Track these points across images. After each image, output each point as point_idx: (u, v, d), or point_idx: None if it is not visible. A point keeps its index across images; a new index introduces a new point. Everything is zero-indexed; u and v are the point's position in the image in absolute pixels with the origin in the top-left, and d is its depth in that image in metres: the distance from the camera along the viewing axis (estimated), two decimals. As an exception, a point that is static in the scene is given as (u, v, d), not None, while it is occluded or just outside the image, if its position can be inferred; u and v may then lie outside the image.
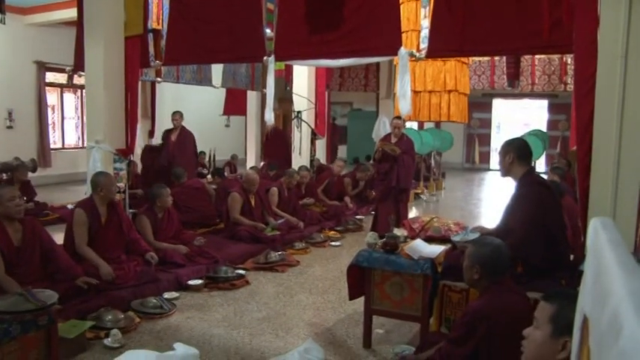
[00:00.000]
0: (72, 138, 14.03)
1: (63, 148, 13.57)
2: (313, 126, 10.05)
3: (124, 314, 4.45)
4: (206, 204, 8.21)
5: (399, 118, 7.28)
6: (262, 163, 11.79)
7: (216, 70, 11.91)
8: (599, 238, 1.11)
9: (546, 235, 3.49)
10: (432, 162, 13.90)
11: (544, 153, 14.19)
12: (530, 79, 13.65)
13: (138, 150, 9.06)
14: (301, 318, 4.75)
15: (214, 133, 16.15)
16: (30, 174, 8.89)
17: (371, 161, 10.36)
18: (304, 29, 5.39)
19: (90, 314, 4.34)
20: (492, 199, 12.84)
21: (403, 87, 5.25)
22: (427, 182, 13.08)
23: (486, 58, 13.62)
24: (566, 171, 7.95)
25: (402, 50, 5.07)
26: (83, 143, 12.90)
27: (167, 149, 9.42)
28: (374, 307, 4.10)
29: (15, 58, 11.84)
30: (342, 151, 18.38)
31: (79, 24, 6.30)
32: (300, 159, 9.84)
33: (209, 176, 10.76)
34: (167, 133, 9.72)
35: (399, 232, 4.33)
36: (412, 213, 9.61)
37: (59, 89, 13.52)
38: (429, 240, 4.29)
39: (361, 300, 4.22)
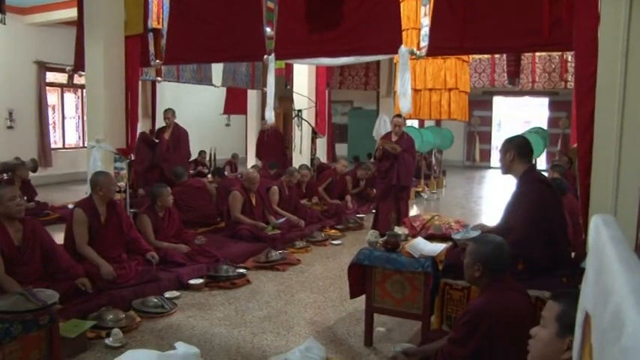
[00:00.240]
0: (72, 138, 14.04)
1: (63, 147, 13.57)
2: (314, 125, 10.04)
3: (125, 314, 4.45)
4: (207, 203, 8.21)
5: (399, 116, 7.28)
6: (258, 163, 11.76)
7: (217, 69, 11.90)
8: (601, 235, 1.10)
9: (547, 232, 3.49)
10: (433, 160, 13.88)
11: (545, 151, 14.19)
12: (531, 77, 13.62)
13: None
14: (302, 317, 4.75)
15: (215, 133, 16.15)
16: (30, 174, 8.89)
17: (371, 159, 10.35)
18: (304, 28, 5.39)
19: (91, 314, 4.35)
20: (493, 196, 12.84)
21: (403, 85, 5.24)
22: (428, 180, 13.07)
23: (487, 56, 13.60)
24: (567, 168, 7.96)
25: (403, 48, 5.07)
26: (84, 143, 12.90)
27: (160, 147, 9.27)
28: (375, 306, 4.10)
29: (15, 58, 11.84)
30: (341, 149, 18.37)
31: (79, 24, 6.30)
32: (300, 158, 9.83)
33: (209, 175, 10.75)
34: (160, 132, 9.57)
35: (399, 230, 4.32)
36: (413, 211, 9.60)
37: (59, 89, 13.52)
38: (430, 238, 4.29)
39: (362, 298, 4.22)
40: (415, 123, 14.61)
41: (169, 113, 9.37)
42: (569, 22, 3.82)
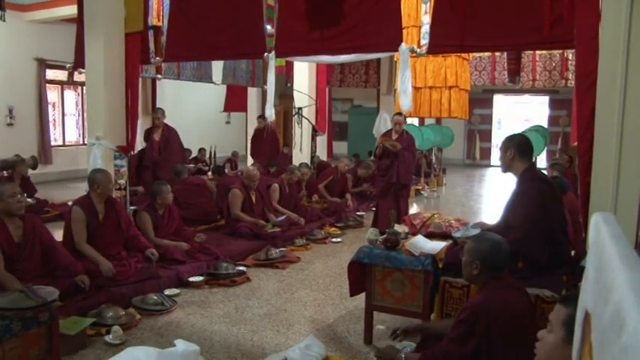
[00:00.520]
0: (72, 135, 14.03)
1: (63, 145, 13.57)
2: (314, 122, 10.04)
3: (125, 311, 4.46)
4: (207, 201, 8.21)
5: (399, 114, 7.28)
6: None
7: (217, 66, 11.89)
8: (601, 233, 1.10)
9: (547, 231, 3.49)
10: (433, 158, 13.89)
11: (545, 149, 14.18)
12: (531, 75, 13.61)
13: (139, 147, 8.90)
14: (302, 314, 4.75)
15: (215, 130, 16.17)
16: (30, 171, 8.90)
17: (371, 157, 10.34)
18: (305, 25, 5.38)
19: (91, 311, 4.35)
20: (493, 195, 12.84)
21: (404, 83, 5.24)
22: (428, 178, 13.07)
23: (487, 54, 13.58)
24: (567, 167, 7.95)
25: (403, 46, 5.05)
26: (84, 140, 12.89)
27: (151, 148, 8.89)
28: (375, 304, 4.11)
29: (15, 55, 11.83)
30: (342, 147, 18.36)
31: (79, 21, 6.28)
32: (300, 155, 9.83)
33: (209, 173, 10.74)
34: (149, 132, 9.12)
35: (399, 228, 4.32)
36: (413, 209, 9.61)
37: (60, 86, 13.51)
38: (430, 236, 4.29)
39: (362, 296, 4.22)
40: (415, 121, 14.60)
41: (159, 113, 9.03)
42: (570, 20, 3.81)
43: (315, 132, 10.16)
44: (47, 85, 12.70)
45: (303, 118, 9.82)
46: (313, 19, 5.34)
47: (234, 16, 5.70)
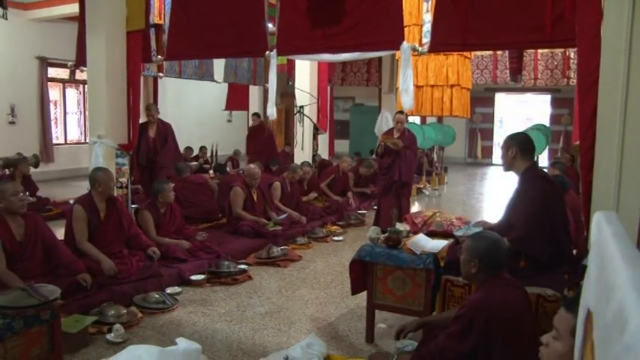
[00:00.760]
0: (74, 133, 14.05)
1: (65, 143, 13.59)
2: (315, 121, 10.03)
3: (127, 309, 4.46)
4: (208, 199, 8.21)
5: (401, 112, 7.27)
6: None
7: (218, 65, 11.90)
8: (603, 232, 1.10)
9: (549, 229, 3.49)
10: (435, 157, 13.88)
11: (547, 147, 14.16)
12: (533, 74, 13.59)
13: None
14: (304, 313, 4.75)
15: (216, 129, 16.17)
16: (32, 169, 8.90)
17: (373, 156, 10.34)
18: (306, 23, 5.38)
19: (92, 309, 4.36)
20: (495, 193, 12.84)
21: (405, 81, 5.23)
22: (429, 177, 13.07)
23: (489, 53, 13.57)
24: (569, 166, 7.94)
25: (405, 44, 5.05)
26: (85, 138, 12.90)
27: (146, 145, 8.34)
28: (376, 302, 4.11)
29: (17, 53, 11.84)
30: (343, 145, 18.37)
31: (80, 19, 6.28)
32: (302, 154, 9.82)
33: (211, 171, 10.75)
34: (143, 128, 8.30)
35: (401, 226, 4.32)
36: (414, 208, 9.61)
37: (61, 84, 13.52)
38: (432, 235, 4.29)
39: (363, 295, 4.22)
40: (417, 119, 14.60)
41: (152, 110, 8.53)
42: (572, 19, 3.80)
43: (316, 130, 10.15)
44: (49, 83, 12.72)
45: (305, 117, 9.81)
46: (315, 18, 5.33)
47: (235, 14, 5.69)
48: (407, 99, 5.24)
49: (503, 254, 2.88)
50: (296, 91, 9.98)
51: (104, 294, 4.60)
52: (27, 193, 4.86)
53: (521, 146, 3.62)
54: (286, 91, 11.67)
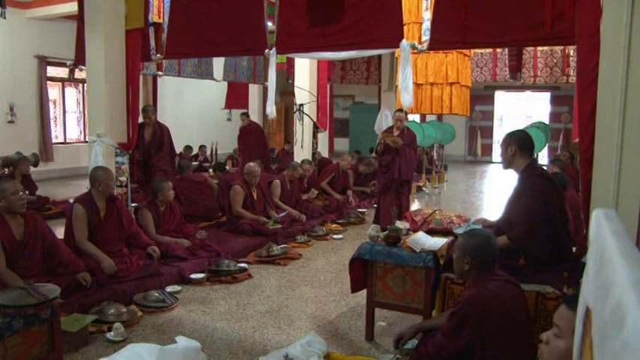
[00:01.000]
0: (74, 132, 14.04)
1: (65, 142, 13.58)
2: (315, 119, 10.03)
3: (127, 308, 4.46)
4: (208, 197, 8.21)
5: (401, 110, 7.27)
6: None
7: (218, 63, 11.89)
8: (602, 229, 1.10)
9: (549, 227, 3.49)
10: (434, 155, 13.88)
11: (546, 145, 14.17)
12: (533, 71, 13.59)
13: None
14: (303, 311, 4.75)
15: (216, 127, 16.19)
16: (32, 168, 8.90)
17: (373, 154, 10.33)
18: (305, 22, 5.38)
19: (92, 308, 4.36)
20: (494, 191, 12.84)
21: (405, 79, 5.23)
22: (429, 175, 13.08)
23: (488, 50, 13.57)
24: (568, 163, 7.95)
25: (404, 42, 5.05)
26: (85, 137, 12.92)
27: (142, 148, 7.93)
28: (376, 300, 4.11)
29: (16, 52, 11.83)
30: (343, 144, 18.37)
31: (79, 18, 6.28)
32: (302, 152, 9.82)
33: (211, 170, 10.75)
34: (139, 131, 7.56)
35: (401, 224, 4.32)
36: (414, 205, 9.61)
37: (60, 83, 13.52)
38: (431, 232, 4.29)
39: (363, 293, 4.23)
40: (417, 117, 14.60)
41: (150, 112, 7.98)
42: (572, 16, 3.81)
43: (316, 129, 10.15)
44: (48, 82, 12.71)
45: (304, 115, 9.80)
46: (314, 16, 5.33)
47: (235, 13, 5.70)
48: (406, 97, 5.24)
49: (495, 251, 2.93)
50: (295, 89, 9.98)
51: (104, 293, 4.60)
52: (27, 192, 4.86)
53: (520, 144, 3.62)
54: (286, 90, 11.68)
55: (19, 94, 11.95)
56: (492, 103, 19.59)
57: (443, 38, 4.92)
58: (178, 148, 10.64)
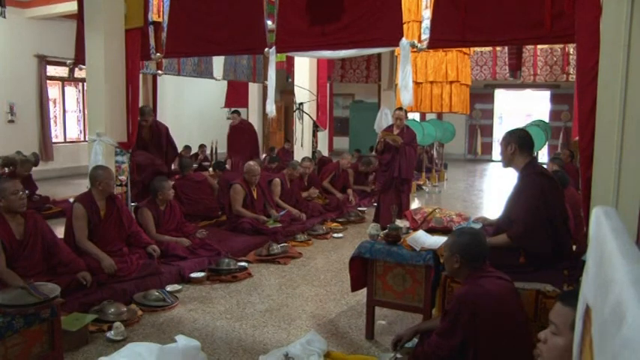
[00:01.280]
0: (74, 131, 14.05)
1: (65, 141, 13.58)
2: (315, 118, 10.03)
3: (127, 307, 4.47)
4: (208, 197, 8.21)
5: (400, 109, 7.27)
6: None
7: (218, 62, 11.88)
8: (602, 227, 1.10)
9: (549, 225, 3.49)
10: (434, 153, 13.88)
11: (546, 143, 14.18)
12: (533, 70, 13.60)
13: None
14: (304, 310, 4.75)
15: (216, 126, 16.16)
16: (32, 168, 8.90)
17: (373, 152, 10.33)
18: (305, 20, 5.37)
19: (92, 307, 4.36)
20: (494, 190, 12.84)
21: (405, 78, 5.23)
22: (429, 173, 13.07)
23: (488, 49, 13.57)
24: (568, 162, 7.95)
25: (404, 41, 5.04)
26: (85, 137, 12.91)
27: (141, 148, 7.44)
28: (376, 299, 4.11)
29: (16, 51, 11.83)
30: (343, 142, 18.36)
31: (79, 17, 6.28)
32: (302, 151, 9.82)
33: (210, 169, 10.75)
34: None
35: (401, 223, 4.32)
36: (414, 204, 9.61)
37: (60, 83, 13.52)
38: (431, 231, 4.28)
39: (363, 291, 4.23)
40: (417, 116, 14.59)
41: (146, 114, 7.33)
42: (571, 14, 3.80)
43: (316, 127, 10.15)
44: (48, 81, 12.72)
45: (304, 114, 9.81)
46: (314, 15, 5.33)
47: (234, 12, 5.69)
48: (406, 95, 5.23)
49: (484, 248, 2.95)
50: (295, 88, 9.98)
51: (104, 292, 4.60)
52: (27, 192, 4.86)
53: (520, 142, 3.62)
54: (286, 88, 11.67)
55: (19, 93, 11.95)
56: (492, 101, 19.59)
57: (443, 37, 4.92)
58: (178, 148, 10.63)
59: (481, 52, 13.78)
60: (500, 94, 19.61)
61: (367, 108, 17.48)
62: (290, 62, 10.69)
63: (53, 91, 13.31)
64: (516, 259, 3.49)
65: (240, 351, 3.91)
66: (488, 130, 19.65)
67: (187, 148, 12.61)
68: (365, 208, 9.18)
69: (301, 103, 9.80)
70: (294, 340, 3.93)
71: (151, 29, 6.78)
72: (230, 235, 6.82)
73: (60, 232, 5.09)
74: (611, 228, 1.05)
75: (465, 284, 2.90)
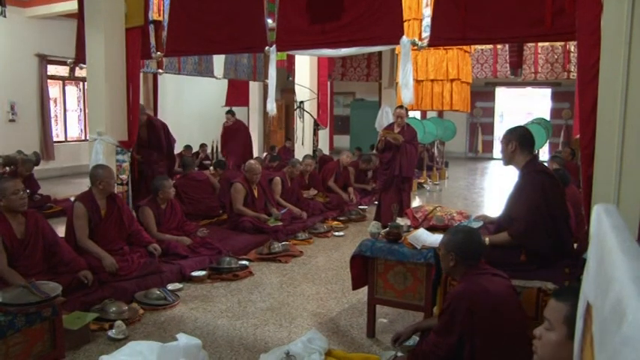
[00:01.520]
0: (74, 131, 14.06)
1: (65, 140, 13.60)
2: (315, 116, 10.03)
3: (128, 306, 4.47)
4: (209, 195, 8.22)
5: (401, 107, 7.25)
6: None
7: (218, 61, 11.88)
8: (603, 224, 1.10)
9: (550, 223, 3.49)
10: (435, 151, 13.88)
11: (547, 141, 14.17)
12: (533, 68, 13.58)
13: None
14: (305, 308, 4.75)
15: (217, 125, 16.12)
16: (34, 167, 8.91)
17: (374, 151, 10.33)
18: (306, 19, 5.37)
19: (94, 306, 4.36)
20: (495, 188, 12.83)
21: (405, 76, 5.23)
22: (430, 172, 13.07)
23: (489, 47, 13.56)
24: (569, 159, 7.95)
25: (404, 39, 5.04)
26: (86, 136, 12.92)
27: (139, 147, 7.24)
28: (377, 297, 4.11)
29: (16, 51, 11.84)
30: (344, 141, 18.36)
31: (80, 16, 6.28)
32: (302, 149, 9.83)
33: (211, 168, 10.75)
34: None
35: (402, 221, 4.32)
36: (415, 202, 9.61)
37: (61, 82, 13.53)
38: (432, 229, 4.28)
39: (364, 290, 4.23)
40: (417, 114, 14.58)
41: (140, 113, 6.68)
42: (572, 12, 3.80)
43: (316, 126, 10.15)
44: (48, 80, 12.73)
45: (305, 112, 9.81)
46: (314, 13, 5.33)
47: (235, 10, 5.69)
48: (407, 93, 5.23)
49: (479, 245, 2.97)
50: (296, 86, 9.98)
51: (105, 291, 4.61)
52: (28, 191, 4.86)
53: (521, 140, 3.62)
54: (286, 87, 11.67)
55: (19, 92, 11.96)
56: (493, 99, 19.57)
57: (443, 35, 4.92)
58: (179, 147, 10.65)
59: (482, 50, 13.77)
60: (501, 92, 19.59)
61: (368, 106, 17.47)
62: (290, 61, 10.69)
63: (54, 90, 13.32)
64: (517, 257, 3.49)
65: (242, 349, 3.91)
66: (489, 128, 19.63)
67: (188, 147, 12.61)
68: (366, 207, 9.18)
69: (302, 102, 9.80)
70: (296, 338, 3.93)
71: (151, 28, 6.79)
72: (231, 233, 6.82)
73: (61, 231, 5.09)
74: (612, 226, 1.05)
75: (461, 282, 2.91)
